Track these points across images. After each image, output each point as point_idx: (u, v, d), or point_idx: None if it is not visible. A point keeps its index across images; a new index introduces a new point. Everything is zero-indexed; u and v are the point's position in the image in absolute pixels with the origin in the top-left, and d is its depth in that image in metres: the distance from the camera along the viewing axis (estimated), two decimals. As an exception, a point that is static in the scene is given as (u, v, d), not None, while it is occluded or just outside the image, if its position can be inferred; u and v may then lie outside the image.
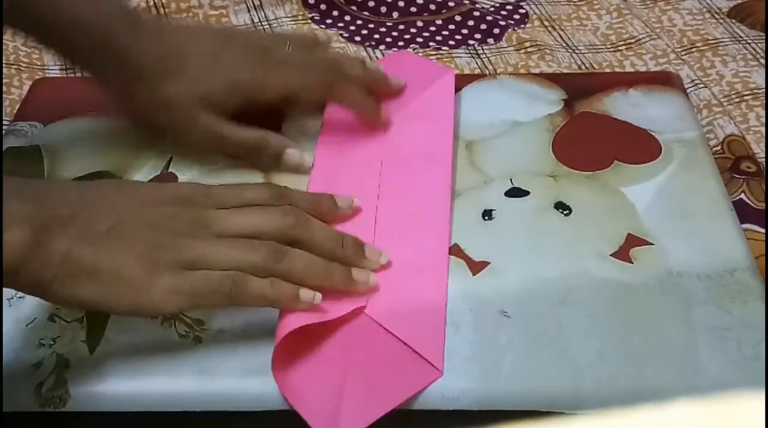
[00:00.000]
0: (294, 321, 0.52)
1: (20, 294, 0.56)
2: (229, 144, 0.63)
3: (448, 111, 0.69)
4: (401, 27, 0.89)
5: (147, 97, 0.61)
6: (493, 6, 0.92)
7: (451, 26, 0.88)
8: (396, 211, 0.61)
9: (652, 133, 0.68)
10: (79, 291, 0.47)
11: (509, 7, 0.92)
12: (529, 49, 0.85)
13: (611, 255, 0.59)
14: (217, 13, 0.90)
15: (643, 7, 0.93)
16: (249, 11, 0.90)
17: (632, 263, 0.58)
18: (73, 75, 0.82)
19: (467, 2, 0.91)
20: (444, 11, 0.90)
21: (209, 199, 0.53)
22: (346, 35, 0.88)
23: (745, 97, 0.80)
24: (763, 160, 0.72)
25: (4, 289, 0.56)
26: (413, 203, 0.62)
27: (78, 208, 0.49)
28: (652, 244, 0.59)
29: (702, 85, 0.80)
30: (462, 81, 0.74)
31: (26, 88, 0.77)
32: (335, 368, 0.52)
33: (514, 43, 0.86)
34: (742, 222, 0.62)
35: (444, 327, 0.54)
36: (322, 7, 0.91)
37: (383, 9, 0.91)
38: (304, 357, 0.53)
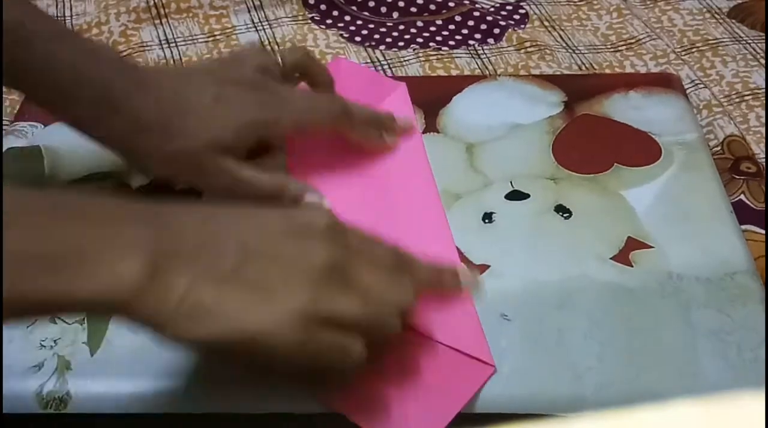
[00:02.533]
0: None
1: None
2: (247, 188, 0.60)
3: (413, 127, 0.69)
4: (401, 27, 0.88)
5: (157, 151, 0.58)
6: (493, 6, 0.92)
7: (451, 26, 0.88)
8: (394, 229, 0.60)
9: (652, 136, 0.68)
10: (195, 332, 0.43)
11: (509, 7, 0.92)
12: (529, 49, 0.85)
13: (611, 258, 0.59)
14: (217, 13, 0.90)
15: (643, 7, 0.92)
16: (249, 11, 0.90)
17: (632, 266, 0.58)
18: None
19: (467, 2, 0.91)
20: (444, 11, 0.90)
21: (345, 239, 0.49)
22: (346, 35, 0.87)
23: (745, 97, 0.80)
24: (763, 160, 0.72)
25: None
26: (409, 220, 0.61)
27: (203, 241, 0.45)
28: (652, 247, 0.59)
29: (702, 86, 0.80)
30: (462, 82, 0.74)
31: (26, 88, 0.77)
32: (388, 382, 0.52)
33: (514, 43, 0.86)
34: (741, 223, 0.62)
35: (479, 323, 0.55)
36: (322, 7, 0.91)
37: (383, 9, 0.90)
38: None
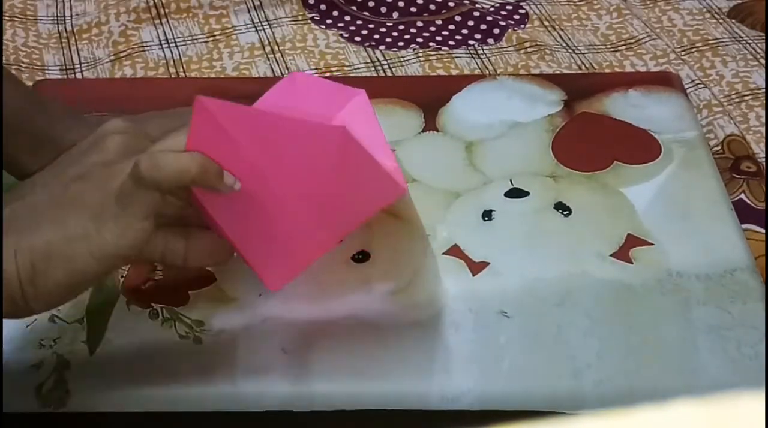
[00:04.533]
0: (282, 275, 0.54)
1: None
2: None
3: (378, 134, 0.68)
4: (401, 27, 0.89)
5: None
6: (493, 6, 0.92)
7: (451, 26, 0.88)
8: None
9: (652, 134, 0.68)
10: (50, 280, 0.46)
11: (509, 7, 0.92)
12: (529, 49, 0.85)
13: (611, 255, 0.59)
14: (217, 13, 0.90)
15: (643, 7, 0.93)
16: (249, 11, 0.90)
17: (632, 263, 0.58)
18: (73, 75, 0.83)
19: (467, 2, 0.91)
20: (444, 11, 0.90)
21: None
22: (346, 35, 0.88)
23: (745, 97, 0.80)
24: (763, 160, 0.72)
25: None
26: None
27: (16, 207, 0.48)
28: (651, 244, 0.59)
29: (702, 85, 0.80)
30: (461, 82, 0.74)
31: (26, 88, 0.77)
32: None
33: (514, 43, 0.86)
34: (742, 222, 0.63)
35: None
36: (322, 7, 0.91)
37: (383, 9, 0.91)
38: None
